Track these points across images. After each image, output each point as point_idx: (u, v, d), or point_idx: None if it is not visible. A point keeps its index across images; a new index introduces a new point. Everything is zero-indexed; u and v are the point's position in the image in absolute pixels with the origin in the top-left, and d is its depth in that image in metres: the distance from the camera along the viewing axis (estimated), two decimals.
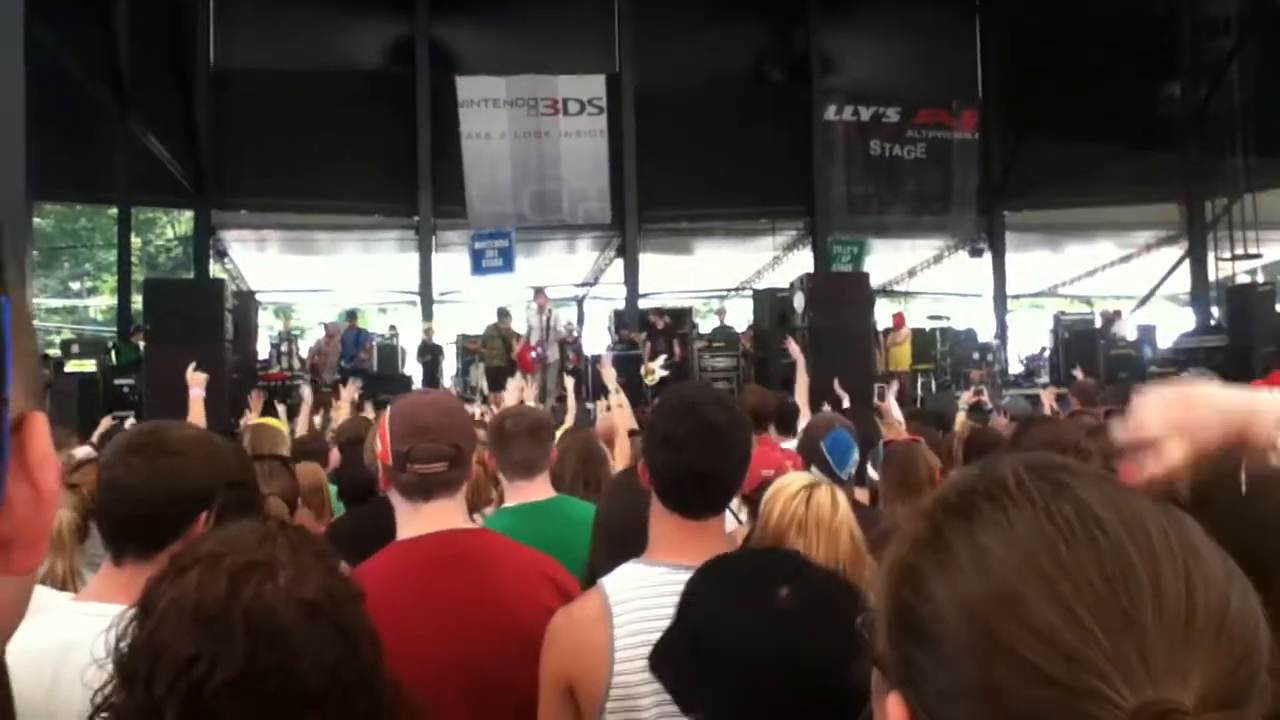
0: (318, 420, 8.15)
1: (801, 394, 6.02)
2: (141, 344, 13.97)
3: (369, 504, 3.52)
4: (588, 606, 1.97)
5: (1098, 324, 19.04)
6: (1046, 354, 20.36)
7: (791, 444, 4.93)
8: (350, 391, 8.03)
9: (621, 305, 19.37)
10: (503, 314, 17.40)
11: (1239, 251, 18.49)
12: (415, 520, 2.19)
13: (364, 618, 1.33)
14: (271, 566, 1.27)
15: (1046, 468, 0.72)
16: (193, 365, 5.05)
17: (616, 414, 4.96)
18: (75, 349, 15.89)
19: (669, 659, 1.49)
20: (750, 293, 20.89)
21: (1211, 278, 20.16)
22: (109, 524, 1.98)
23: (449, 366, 18.17)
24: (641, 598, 1.88)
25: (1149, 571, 0.64)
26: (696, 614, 1.50)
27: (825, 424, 3.81)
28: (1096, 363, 17.06)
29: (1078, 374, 11.24)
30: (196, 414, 4.67)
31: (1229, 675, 0.62)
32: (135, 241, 21.52)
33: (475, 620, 2.07)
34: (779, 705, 1.37)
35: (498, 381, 14.77)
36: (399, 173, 19.22)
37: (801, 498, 2.39)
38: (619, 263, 20.16)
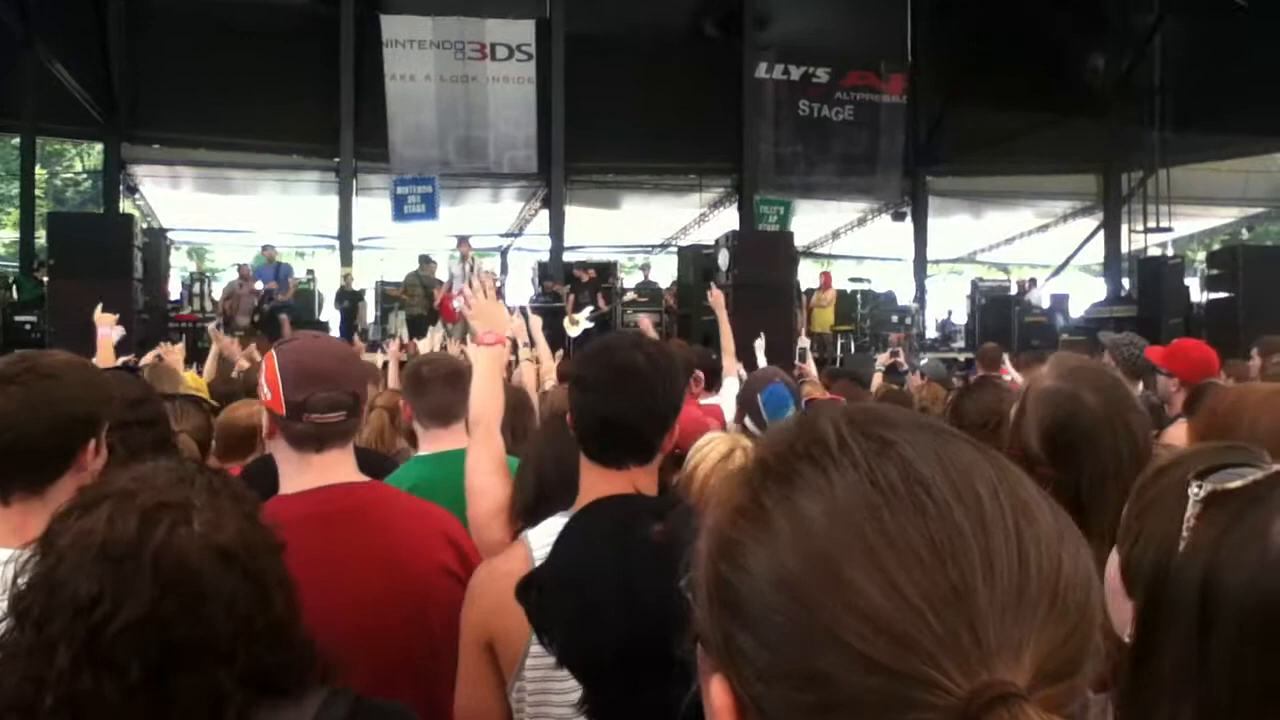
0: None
1: (727, 347, 5.70)
2: (45, 280, 13.52)
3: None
4: (511, 561, 1.92)
5: (1013, 291, 19.47)
6: (954, 317, 20.80)
7: (715, 399, 4.93)
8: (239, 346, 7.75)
9: (546, 257, 19.20)
10: (425, 260, 17.14)
11: (1151, 225, 18.98)
12: (305, 472, 2.08)
13: (281, 569, 1.29)
14: (186, 509, 1.22)
15: (870, 420, 0.67)
16: (100, 305, 4.86)
17: (527, 369, 4.85)
18: None
19: (532, 586, 1.48)
20: (675, 249, 20.91)
21: (1124, 249, 20.68)
22: None
23: (368, 313, 17.86)
24: None
25: (978, 538, 0.59)
26: (562, 548, 1.49)
27: (766, 377, 3.80)
28: (1011, 329, 17.47)
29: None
30: (105, 356, 4.50)
31: (1063, 644, 0.58)
32: (41, 173, 20.73)
33: (368, 578, 1.99)
34: (612, 637, 1.36)
35: (418, 329, 14.61)
36: (320, 112, 18.71)
37: (723, 464, 2.37)
38: (544, 214, 19.95)
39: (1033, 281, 20.55)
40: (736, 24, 20.42)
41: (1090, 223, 22.36)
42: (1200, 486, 0.99)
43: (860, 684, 0.57)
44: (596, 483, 1.92)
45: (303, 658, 1.28)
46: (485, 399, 2.46)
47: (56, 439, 1.86)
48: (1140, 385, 4.81)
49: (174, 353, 6.44)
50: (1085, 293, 21.38)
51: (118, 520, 1.18)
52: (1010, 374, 6.96)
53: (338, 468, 2.10)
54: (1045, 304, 19.15)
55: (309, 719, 1.25)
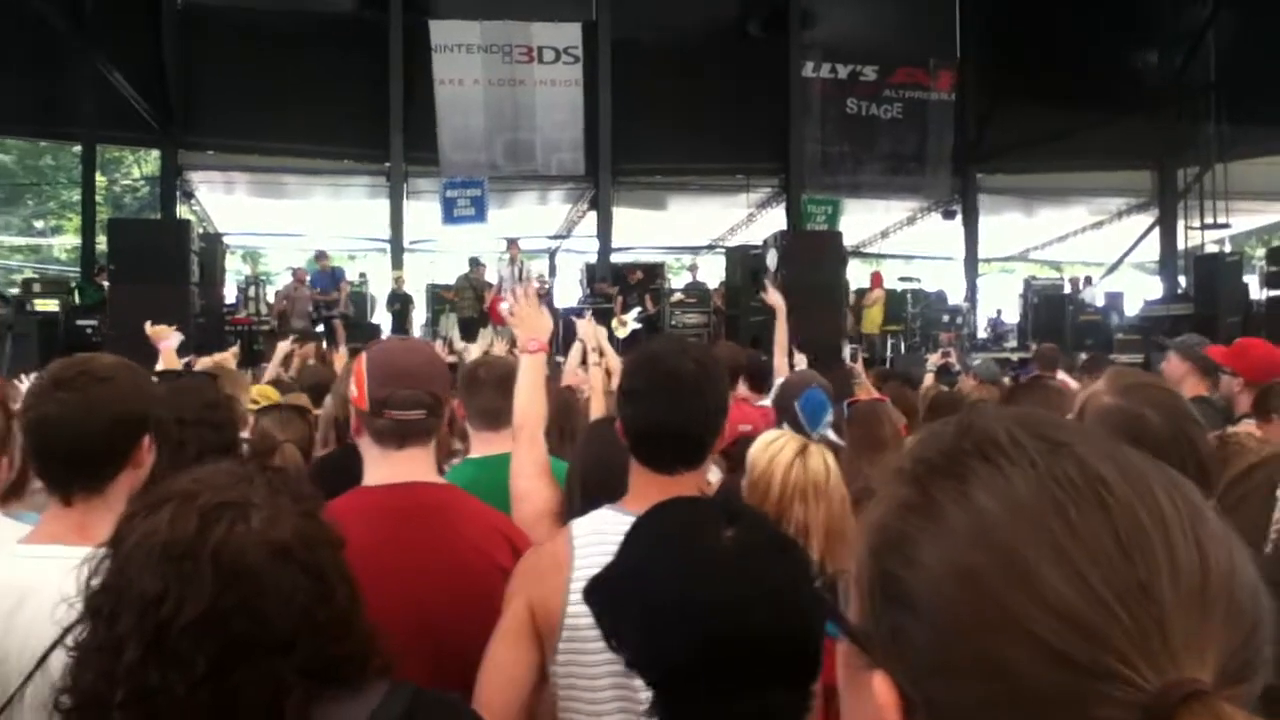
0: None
1: (780, 345, 5.57)
2: (105, 284, 13.80)
3: (337, 452, 3.48)
4: (556, 545, 1.97)
5: (1067, 290, 19.18)
6: (1005, 316, 20.54)
7: (765, 401, 4.92)
8: (294, 348, 7.84)
9: (594, 259, 19.26)
10: (474, 263, 17.29)
11: (1208, 221, 18.62)
12: (385, 466, 2.15)
13: (340, 563, 1.31)
14: (244, 507, 1.25)
15: (1039, 424, 0.67)
16: (149, 322, 4.87)
17: (596, 373, 4.81)
18: (37, 288, 15.68)
19: (599, 591, 1.50)
20: (723, 250, 20.87)
21: (1180, 246, 20.32)
22: (52, 463, 1.94)
23: (418, 315, 18.04)
24: (603, 541, 1.85)
25: (1161, 537, 0.59)
26: (631, 551, 1.50)
27: (801, 382, 3.80)
28: (1064, 328, 17.22)
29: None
30: (170, 363, 4.56)
31: (1240, 648, 0.58)
32: (100, 180, 21.17)
33: (431, 575, 2.04)
34: (684, 643, 1.37)
35: (469, 332, 14.75)
36: (370, 117, 18.92)
37: (799, 466, 2.37)
38: (592, 215, 20.02)
39: (1087, 280, 20.23)
40: (782, 23, 20.33)
41: (1145, 219, 21.99)
42: None
43: (1046, 677, 0.57)
44: (646, 485, 1.96)
45: (364, 650, 1.31)
46: (529, 404, 2.53)
47: (114, 439, 1.92)
48: (1205, 385, 4.74)
49: (230, 359, 6.56)
50: (1140, 291, 21.05)
51: (179, 521, 1.23)
52: (1063, 376, 6.85)
53: (416, 465, 2.17)
54: (1100, 302, 18.85)
55: (370, 710, 1.28)
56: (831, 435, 3.57)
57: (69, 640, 1.25)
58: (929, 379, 7.55)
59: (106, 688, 1.17)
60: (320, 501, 1.39)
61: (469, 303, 16.68)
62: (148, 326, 4.82)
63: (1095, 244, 23.43)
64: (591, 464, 2.48)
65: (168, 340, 4.70)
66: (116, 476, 1.91)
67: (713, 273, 20.03)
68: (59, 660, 1.29)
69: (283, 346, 7.70)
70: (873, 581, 0.67)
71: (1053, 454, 0.63)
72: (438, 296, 17.95)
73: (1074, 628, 0.57)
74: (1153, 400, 1.92)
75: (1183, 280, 19.36)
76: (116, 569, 1.23)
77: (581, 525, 1.98)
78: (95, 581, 1.24)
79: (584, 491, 2.44)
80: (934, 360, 8.35)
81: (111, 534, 1.28)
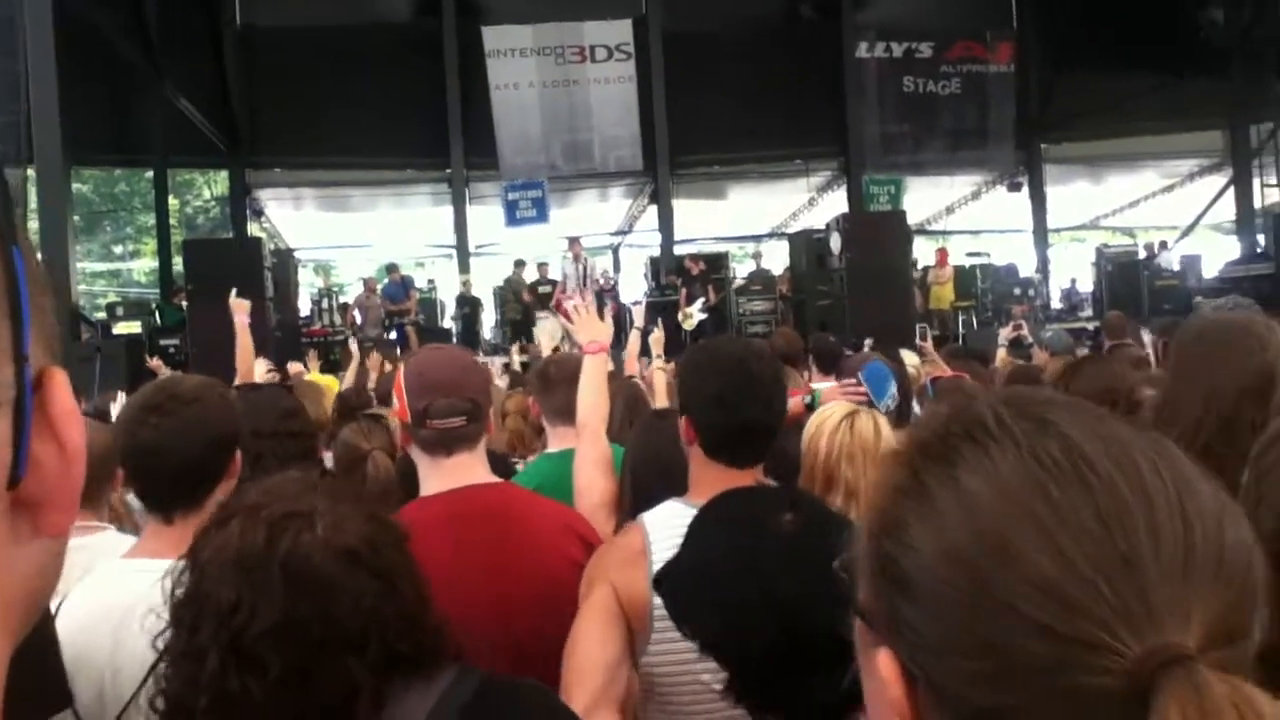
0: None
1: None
2: (184, 304, 14.17)
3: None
4: (631, 540, 2.01)
5: (1141, 255, 18.74)
6: (1079, 286, 20.12)
7: (829, 384, 4.91)
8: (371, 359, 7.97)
9: (656, 252, 19.31)
10: (518, 264, 17.50)
11: None
12: (438, 475, 2.20)
13: (406, 559, 1.36)
14: (310, 516, 1.30)
15: (1026, 402, 0.69)
16: (234, 291, 4.96)
17: (659, 376, 4.81)
18: (120, 311, 16.12)
19: (668, 579, 1.54)
20: (786, 236, 20.77)
21: (1257, 205, 19.73)
22: (152, 486, 2.01)
23: (487, 318, 18.25)
24: (677, 535, 1.90)
25: (1143, 509, 0.61)
26: (696, 540, 1.54)
27: (862, 357, 3.81)
28: (1140, 294, 16.84)
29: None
30: (244, 343, 4.62)
31: (1230, 611, 0.60)
32: (173, 203, 21.74)
33: (503, 575, 2.08)
34: (760, 629, 1.41)
35: (519, 333, 14.96)
36: (430, 126, 19.18)
37: (844, 428, 2.41)
38: (652, 209, 20.04)
39: (1163, 244, 19.73)
40: (834, 5, 20.14)
41: (1219, 180, 21.37)
42: None
43: (1034, 650, 0.59)
44: (714, 478, 2.01)
45: (434, 642, 1.35)
46: (592, 404, 2.65)
47: (211, 459, 2.00)
48: None
49: (310, 367, 6.70)
50: (1218, 252, 20.46)
51: (248, 533, 1.29)
52: (1148, 339, 6.69)
53: (468, 470, 2.21)
54: (1176, 266, 18.38)
55: (439, 696, 1.33)
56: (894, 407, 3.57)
57: (159, 646, 1.32)
58: (1002, 354, 7.44)
59: (191, 694, 1.24)
60: (382, 503, 1.44)
61: (512, 306, 16.91)
62: (232, 296, 4.89)
63: (1167, 208, 22.85)
64: (647, 456, 2.58)
65: (241, 315, 4.77)
66: (213, 492, 1.99)
67: (777, 259, 19.94)
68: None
69: (355, 354, 7.86)
70: (873, 563, 0.69)
71: (1037, 433, 0.65)
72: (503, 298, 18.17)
73: (1058, 601, 0.59)
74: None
75: (1261, 239, 18.78)
76: (195, 581, 1.29)
77: (653, 518, 2.02)
78: (179, 593, 1.31)
79: (634, 481, 2.55)
80: (1006, 334, 8.23)
81: (189, 548, 1.35)
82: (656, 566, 1.86)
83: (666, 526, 1.95)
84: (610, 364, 5.44)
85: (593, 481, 2.51)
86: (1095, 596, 0.59)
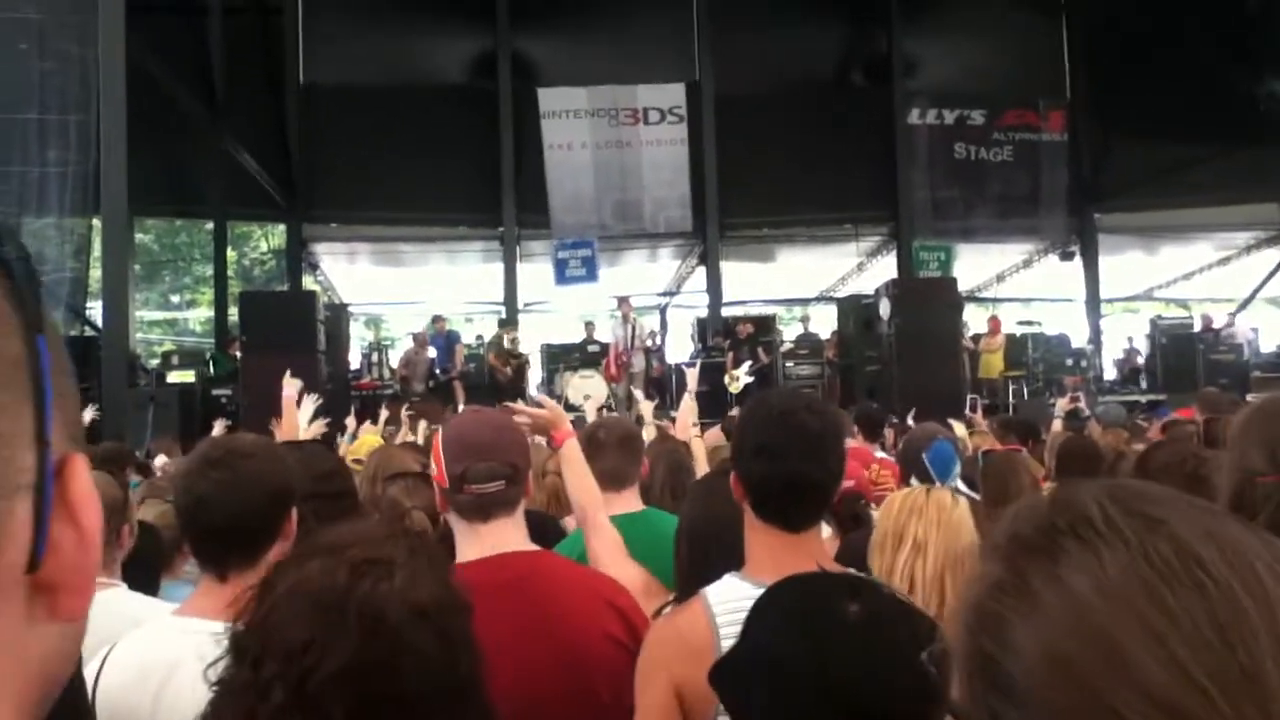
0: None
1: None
2: (238, 355, 14.36)
3: None
4: (695, 619, 1.93)
5: (1196, 328, 18.46)
6: (1129, 354, 19.81)
7: (880, 454, 4.87)
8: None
9: (704, 313, 19.34)
10: (501, 324, 17.60)
11: None
12: (474, 542, 2.15)
13: (469, 630, 1.33)
14: (390, 565, 1.28)
15: (1134, 498, 0.65)
16: (289, 372, 5.04)
17: (697, 445, 4.69)
18: (175, 360, 16.34)
19: (726, 671, 1.50)
20: (834, 300, 20.73)
21: None
22: (210, 540, 2.01)
23: (534, 375, 18.30)
24: (741, 619, 1.86)
25: (1264, 618, 0.57)
26: (756, 629, 1.50)
27: (928, 435, 3.76)
28: (1195, 367, 16.56)
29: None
30: (289, 415, 4.68)
31: None
32: (231, 255, 22.13)
33: (535, 647, 2.02)
34: None
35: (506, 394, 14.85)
36: (483, 184, 19.46)
37: (921, 491, 2.39)
38: (701, 270, 20.12)
39: (1229, 317, 19.35)
40: (885, 71, 20.29)
41: (1275, 254, 21.10)
42: None
43: None
44: (770, 547, 1.95)
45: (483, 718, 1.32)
46: (582, 492, 2.58)
47: (267, 513, 2.00)
48: None
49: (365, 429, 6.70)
50: (1273, 327, 20.10)
51: (329, 572, 1.26)
52: None
53: (504, 536, 2.15)
54: (1247, 338, 17.98)
55: None
56: (962, 487, 3.52)
57: (210, 674, 1.28)
58: (1057, 424, 7.33)
59: None
60: (452, 566, 1.42)
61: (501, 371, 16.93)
62: (286, 375, 4.94)
63: (1223, 280, 22.54)
64: (701, 520, 2.46)
65: (289, 389, 4.84)
66: (269, 550, 1.97)
67: (825, 323, 19.88)
68: None
69: (405, 423, 7.90)
70: (970, 661, 0.66)
71: (1148, 531, 0.62)
72: (553, 357, 18.19)
73: (1169, 713, 0.56)
74: None
75: None
76: (264, 614, 1.26)
77: (716, 597, 1.94)
78: (239, 623, 1.28)
79: (690, 547, 2.43)
80: (1063, 405, 8.10)
81: (261, 579, 1.33)
82: (725, 647, 1.80)
83: (733, 609, 1.86)
84: (653, 429, 5.41)
85: (617, 573, 2.37)
86: (1210, 710, 0.55)
